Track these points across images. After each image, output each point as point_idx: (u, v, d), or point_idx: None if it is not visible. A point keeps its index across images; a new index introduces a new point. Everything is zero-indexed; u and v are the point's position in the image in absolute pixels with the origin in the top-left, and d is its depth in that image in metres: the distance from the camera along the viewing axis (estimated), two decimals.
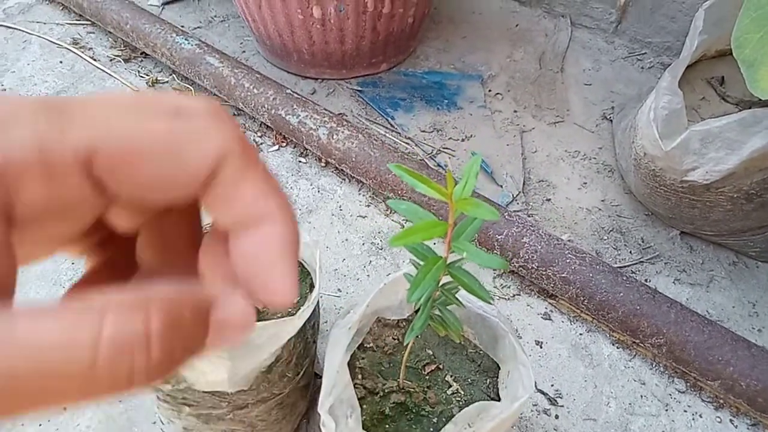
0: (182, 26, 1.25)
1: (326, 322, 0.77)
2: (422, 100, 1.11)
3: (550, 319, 0.80)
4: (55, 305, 0.14)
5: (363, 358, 0.53)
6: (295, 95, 0.98)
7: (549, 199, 0.96)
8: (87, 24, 1.26)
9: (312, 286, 0.57)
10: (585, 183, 0.99)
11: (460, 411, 0.46)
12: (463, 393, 0.51)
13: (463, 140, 1.04)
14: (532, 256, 0.78)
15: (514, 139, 1.05)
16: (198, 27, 1.27)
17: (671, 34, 1.19)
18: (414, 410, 0.50)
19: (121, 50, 1.20)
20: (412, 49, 1.21)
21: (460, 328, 0.42)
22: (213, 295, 0.17)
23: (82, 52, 1.19)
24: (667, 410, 0.72)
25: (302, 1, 0.97)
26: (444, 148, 1.02)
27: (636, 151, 0.84)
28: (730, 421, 0.72)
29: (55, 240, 0.18)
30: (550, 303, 0.82)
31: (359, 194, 0.95)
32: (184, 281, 0.20)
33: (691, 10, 1.12)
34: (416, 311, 0.55)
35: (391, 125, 1.06)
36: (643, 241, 0.90)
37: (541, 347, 0.77)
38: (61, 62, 1.17)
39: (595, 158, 1.03)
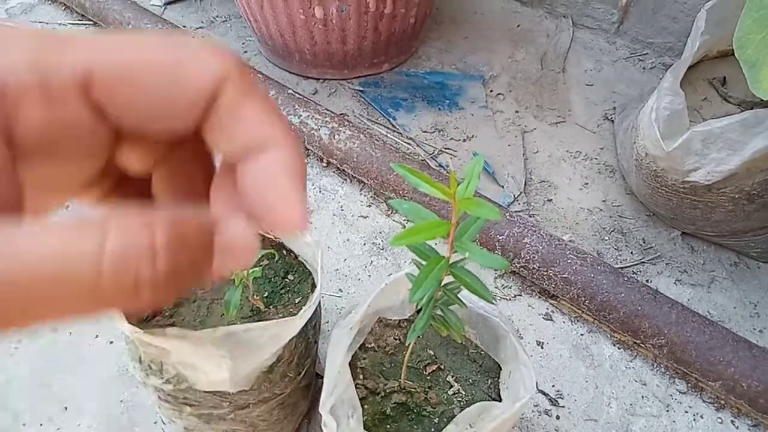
0: (184, 26, 1.25)
1: (327, 322, 0.77)
2: (424, 101, 1.11)
3: (551, 320, 0.80)
4: (59, 221, 0.14)
5: (364, 359, 0.53)
6: (297, 95, 0.98)
7: (550, 200, 0.96)
8: (89, 24, 1.26)
9: (313, 286, 0.57)
10: (586, 183, 0.99)
11: (461, 411, 0.46)
12: (464, 393, 0.51)
13: (464, 140, 1.04)
14: (534, 257, 0.78)
15: (516, 139, 1.05)
16: (200, 27, 1.27)
17: (673, 35, 1.19)
18: (415, 410, 0.50)
19: None
20: (414, 49, 1.21)
21: (462, 329, 0.42)
22: (215, 219, 0.17)
23: None
24: (668, 411, 0.72)
25: (304, 1, 0.97)
26: (445, 148, 1.02)
27: (637, 151, 0.84)
28: (731, 422, 0.72)
29: (67, 182, 0.18)
30: (551, 303, 0.82)
31: (360, 194, 0.95)
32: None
33: (692, 11, 1.12)
34: (417, 311, 0.55)
35: (393, 125, 1.06)
36: (644, 242, 0.90)
37: (542, 348, 0.77)
38: None
39: (596, 159, 1.02)
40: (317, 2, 0.97)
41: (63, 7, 1.30)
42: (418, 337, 0.49)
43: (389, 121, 1.07)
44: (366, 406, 0.49)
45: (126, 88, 0.16)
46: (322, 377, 0.63)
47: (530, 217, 0.93)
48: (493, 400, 0.51)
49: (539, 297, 0.83)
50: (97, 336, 0.75)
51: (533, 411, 0.71)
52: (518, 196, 0.95)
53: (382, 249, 0.87)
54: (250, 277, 0.50)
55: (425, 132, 1.05)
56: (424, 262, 0.37)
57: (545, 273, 0.78)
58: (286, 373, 0.53)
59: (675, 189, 0.80)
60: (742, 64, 0.60)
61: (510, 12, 1.34)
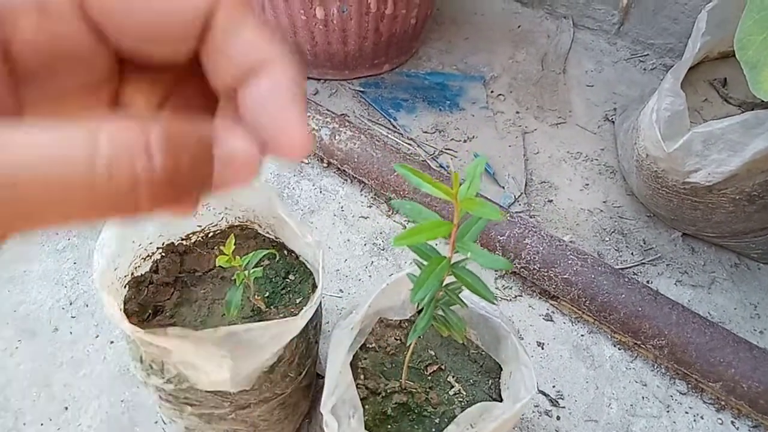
0: None
1: (327, 322, 0.77)
2: (424, 101, 1.11)
3: (551, 321, 0.80)
4: (57, 123, 0.14)
5: (365, 359, 0.53)
6: None
7: (551, 201, 0.96)
8: None
9: (314, 287, 0.57)
10: (587, 184, 0.99)
11: (462, 411, 0.46)
12: (465, 394, 0.51)
13: (465, 141, 1.04)
14: (534, 257, 0.78)
15: (516, 140, 1.05)
16: None
17: (673, 36, 1.19)
18: (416, 411, 0.50)
19: None
20: (415, 50, 1.21)
21: (464, 329, 0.42)
22: (214, 130, 0.16)
23: None
24: (668, 412, 0.72)
25: (305, 1, 0.97)
26: (446, 149, 1.03)
27: (638, 152, 0.84)
28: (732, 422, 0.72)
29: (72, 97, 0.18)
30: (551, 304, 0.82)
31: (361, 195, 0.95)
32: None
33: (693, 12, 1.12)
34: (418, 312, 0.55)
35: (394, 126, 1.06)
36: (644, 243, 0.90)
37: (542, 348, 0.77)
38: None
39: (597, 160, 1.03)
40: (318, 3, 0.97)
41: None
42: (419, 337, 0.49)
43: (390, 121, 1.07)
44: (367, 406, 0.49)
45: (121, 8, 0.16)
46: (322, 377, 0.63)
47: (531, 217, 0.93)
48: (494, 400, 0.51)
49: (540, 298, 0.83)
50: (97, 336, 0.75)
51: (533, 411, 0.71)
52: (519, 196, 0.95)
53: (383, 249, 0.87)
54: (251, 277, 0.50)
55: (426, 133, 1.05)
56: (425, 262, 0.37)
57: (546, 274, 0.78)
58: (287, 373, 0.53)
59: (676, 190, 0.80)
60: (742, 66, 0.60)
61: (510, 13, 1.34)
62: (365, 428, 0.44)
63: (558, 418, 0.71)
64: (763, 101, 0.61)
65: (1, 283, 0.79)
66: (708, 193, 0.77)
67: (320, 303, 0.58)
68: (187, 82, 0.19)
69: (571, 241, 0.88)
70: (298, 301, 0.56)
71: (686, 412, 0.72)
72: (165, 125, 0.14)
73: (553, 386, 0.74)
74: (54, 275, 0.81)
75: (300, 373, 0.55)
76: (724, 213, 0.79)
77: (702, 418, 0.72)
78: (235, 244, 0.49)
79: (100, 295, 0.47)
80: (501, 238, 0.80)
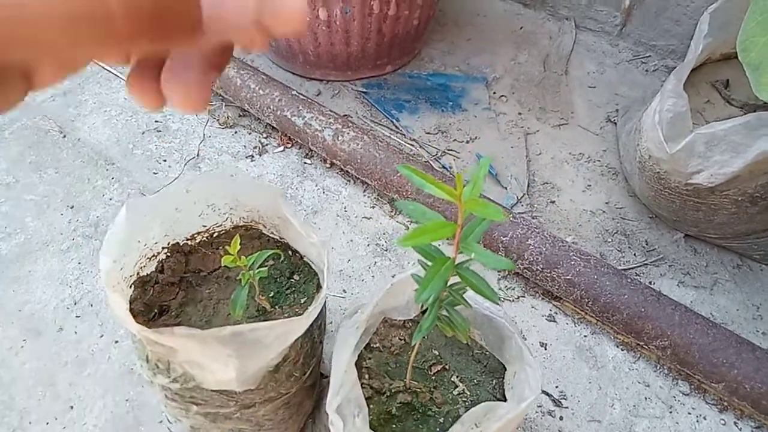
0: None
1: (331, 323, 0.77)
2: (427, 102, 1.12)
3: (554, 321, 0.81)
4: None
5: (370, 358, 0.53)
6: (301, 96, 0.99)
7: (553, 201, 0.96)
8: None
9: (318, 286, 0.57)
10: (589, 185, 0.99)
11: (466, 411, 0.46)
12: (469, 393, 0.52)
13: (467, 142, 1.04)
14: (537, 258, 0.78)
15: (519, 141, 1.05)
16: None
17: (676, 38, 1.19)
18: (420, 410, 0.50)
19: None
20: (417, 51, 1.22)
21: (468, 329, 0.43)
22: None
23: None
24: (671, 412, 0.73)
25: (308, 2, 0.97)
26: (448, 149, 1.03)
27: (640, 153, 0.84)
28: (735, 423, 0.72)
29: None
30: (554, 305, 0.82)
31: (364, 195, 0.95)
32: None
33: (695, 14, 1.13)
34: (423, 312, 0.55)
35: (396, 127, 1.06)
36: (647, 244, 0.90)
37: (545, 349, 0.78)
38: None
39: (599, 161, 1.03)
40: (321, 4, 0.97)
41: None
42: (423, 337, 0.49)
43: (392, 122, 1.07)
44: (371, 406, 0.49)
45: None
46: (326, 377, 0.63)
47: (533, 218, 0.93)
48: (498, 400, 0.51)
49: (542, 298, 0.83)
50: (102, 335, 0.75)
51: (537, 412, 0.71)
52: (521, 197, 0.95)
53: (386, 250, 0.88)
54: (256, 277, 0.50)
55: (428, 133, 1.05)
56: (429, 263, 0.38)
57: (549, 274, 0.78)
58: (291, 372, 0.53)
59: (678, 191, 0.80)
60: (745, 67, 0.61)
61: (513, 14, 1.35)
62: (370, 427, 0.44)
63: (561, 418, 0.71)
64: (765, 103, 0.62)
65: (6, 283, 0.80)
66: (710, 195, 0.77)
67: (324, 303, 0.58)
68: None
69: (573, 242, 0.89)
70: (302, 301, 0.56)
71: (689, 413, 0.73)
72: None
73: (556, 387, 0.74)
74: (58, 275, 0.81)
75: (305, 372, 0.56)
76: (727, 214, 0.79)
77: (705, 418, 0.72)
78: (240, 244, 0.49)
79: (107, 294, 0.47)
80: (504, 238, 0.80)
